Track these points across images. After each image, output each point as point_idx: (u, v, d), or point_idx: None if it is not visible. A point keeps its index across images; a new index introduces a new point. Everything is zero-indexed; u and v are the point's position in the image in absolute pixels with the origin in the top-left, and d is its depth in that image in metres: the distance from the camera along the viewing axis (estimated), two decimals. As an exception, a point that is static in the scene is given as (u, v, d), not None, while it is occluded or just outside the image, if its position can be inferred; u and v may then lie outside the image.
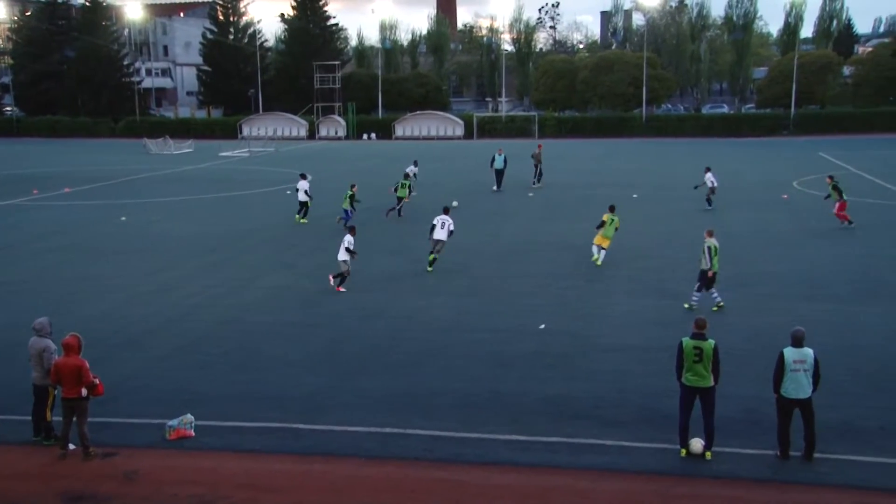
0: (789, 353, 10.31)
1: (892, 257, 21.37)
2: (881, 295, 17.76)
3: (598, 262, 20.60)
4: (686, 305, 16.77)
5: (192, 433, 11.11)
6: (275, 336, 15.33)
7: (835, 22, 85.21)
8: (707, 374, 10.47)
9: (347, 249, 18.37)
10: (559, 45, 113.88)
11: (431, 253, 20.45)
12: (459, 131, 72.73)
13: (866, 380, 12.85)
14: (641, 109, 74.85)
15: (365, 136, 73.61)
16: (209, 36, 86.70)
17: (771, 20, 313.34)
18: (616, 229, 20.92)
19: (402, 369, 13.50)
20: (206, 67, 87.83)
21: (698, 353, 10.46)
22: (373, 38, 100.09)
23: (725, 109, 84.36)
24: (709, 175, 29.87)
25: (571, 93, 79.74)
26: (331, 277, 18.69)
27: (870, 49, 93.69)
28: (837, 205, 25.48)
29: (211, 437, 11.04)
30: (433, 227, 20.44)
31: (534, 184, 36.24)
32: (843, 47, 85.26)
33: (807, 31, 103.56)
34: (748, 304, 17.08)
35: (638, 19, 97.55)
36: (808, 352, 10.28)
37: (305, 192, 27.71)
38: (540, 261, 21.44)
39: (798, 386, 10.24)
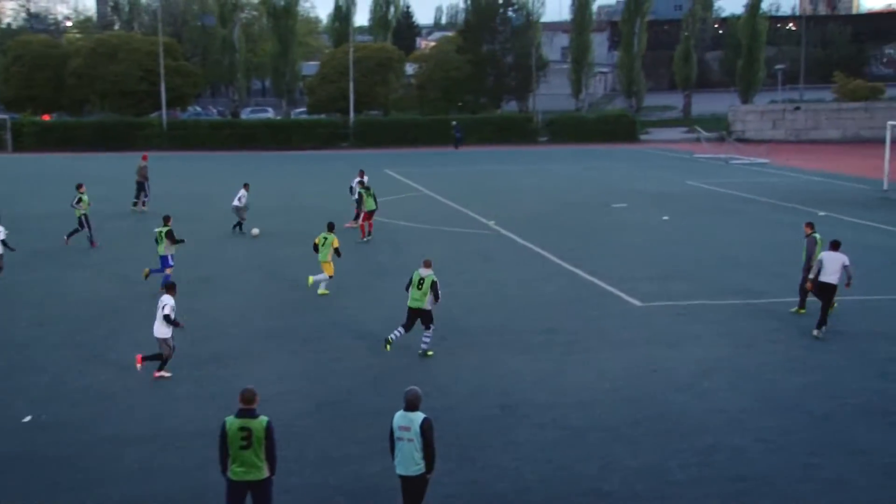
0: (397, 417, 11.01)
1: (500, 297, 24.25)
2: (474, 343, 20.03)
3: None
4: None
5: None
6: None
7: (392, 9, 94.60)
8: (260, 463, 10.69)
9: (167, 318, 17.05)
10: (36, 21, 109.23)
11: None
12: None
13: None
14: (160, 113, 75.03)
15: None
16: None
17: (320, 2, 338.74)
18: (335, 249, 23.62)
19: None
20: None
21: (246, 437, 10.64)
22: None
23: (271, 114, 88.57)
24: (242, 193, 33.48)
25: (59, 89, 76.85)
26: (139, 359, 17.32)
27: (433, 43, 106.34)
28: (363, 214, 30.71)
29: None
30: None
31: (136, 205, 38.88)
32: (404, 40, 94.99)
33: (362, 18, 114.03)
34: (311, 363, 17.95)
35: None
36: (416, 417, 10.92)
37: None
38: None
39: (402, 458, 10.96)
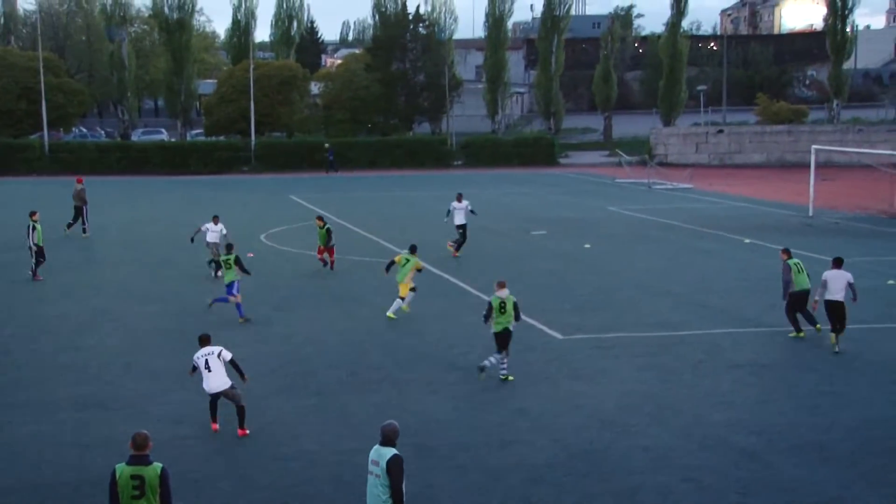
0: (372, 451, 11.36)
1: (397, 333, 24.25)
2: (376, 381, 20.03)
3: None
4: None
5: None
6: None
7: (295, 24, 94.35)
8: (156, 513, 10.61)
9: (232, 363, 16.52)
10: None
11: None
12: None
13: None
14: (41, 134, 73.56)
15: None
16: None
17: (217, 16, 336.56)
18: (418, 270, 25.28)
19: None
20: None
21: (138, 486, 10.52)
22: None
23: (164, 136, 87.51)
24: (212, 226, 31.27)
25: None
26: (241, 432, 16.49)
27: (339, 61, 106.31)
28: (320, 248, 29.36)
29: None
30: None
31: (70, 227, 39.73)
32: (309, 58, 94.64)
33: (263, 33, 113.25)
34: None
35: (27, 2, 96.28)
36: (386, 453, 11.17)
37: None
38: None
39: (369, 493, 11.24)
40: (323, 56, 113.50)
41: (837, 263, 22.09)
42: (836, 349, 21.52)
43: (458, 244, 34.86)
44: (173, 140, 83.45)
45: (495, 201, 52.43)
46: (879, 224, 41.64)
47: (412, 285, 25.40)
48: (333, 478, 14.89)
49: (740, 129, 78.76)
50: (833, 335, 21.69)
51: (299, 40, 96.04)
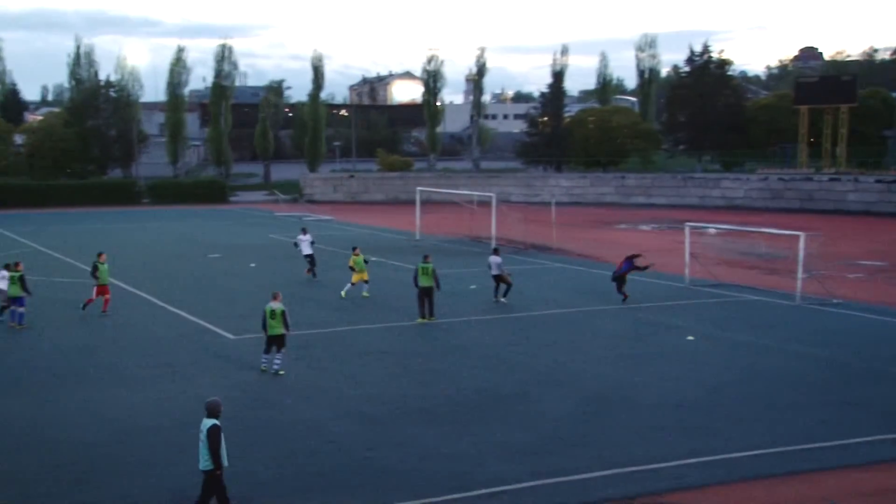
0: (202, 422, 11.39)
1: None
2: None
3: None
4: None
5: None
6: None
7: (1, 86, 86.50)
8: None
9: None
10: None
11: None
12: None
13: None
14: None
15: None
16: None
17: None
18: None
19: None
20: None
21: None
22: None
23: None
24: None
25: None
26: None
27: (40, 117, 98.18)
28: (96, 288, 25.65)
29: None
30: None
31: None
32: (12, 114, 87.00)
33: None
34: None
35: None
36: (206, 423, 11.26)
37: None
38: None
39: (200, 455, 11.32)
40: (25, 113, 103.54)
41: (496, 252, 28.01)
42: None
43: (311, 268, 32.86)
44: None
45: (179, 232, 50.48)
46: (464, 245, 44.24)
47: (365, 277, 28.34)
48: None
49: (366, 175, 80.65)
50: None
51: (3, 100, 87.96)
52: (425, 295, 25.01)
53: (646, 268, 29.08)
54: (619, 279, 27.93)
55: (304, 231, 33.96)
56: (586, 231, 50.55)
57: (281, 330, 19.10)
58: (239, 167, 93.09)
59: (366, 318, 25.60)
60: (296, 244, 33.75)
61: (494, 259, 28.13)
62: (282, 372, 19.18)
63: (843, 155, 64.83)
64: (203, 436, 11.22)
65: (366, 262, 29.44)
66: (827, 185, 62.25)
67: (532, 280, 32.72)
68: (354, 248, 29.70)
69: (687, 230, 32.22)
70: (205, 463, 11.26)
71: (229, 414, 16.24)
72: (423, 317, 24.92)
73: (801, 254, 28.05)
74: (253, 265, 36.39)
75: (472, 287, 30.57)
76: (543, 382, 18.80)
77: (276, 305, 19.22)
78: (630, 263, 27.98)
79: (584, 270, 35.40)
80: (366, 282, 28.95)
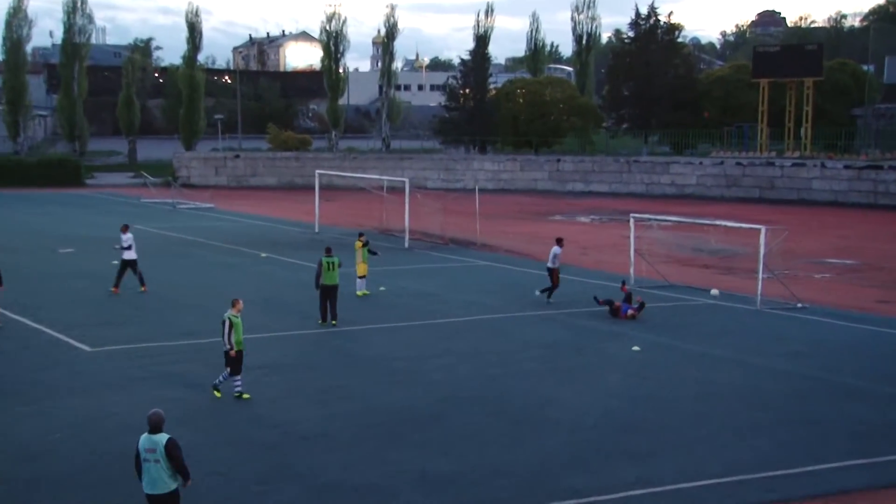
0: (142, 440, 11.56)
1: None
2: None
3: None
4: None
5: None
6: None
7: None
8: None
9: None
10: None
11: None
12: None
13: None
14: None
15: None
16: None
17: None
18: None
19: None
20: None
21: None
22: None
23: None
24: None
25: None
26: None
27: None
28: None
29: None
30: None
31: None
32: None
33: None
34: None
35: None
36: (160, 439, 11.45)
37: None
38: None
39: (150, 479, 11.48)
40: None
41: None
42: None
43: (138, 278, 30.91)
44: None
45: (21, 221, 48.99)
46: (374, 239, 43.92)
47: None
48: None
49: (254, 154, 79.81)
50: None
51: None
52: (328, 295, 25.04)
53: (641, 305, 27.17)
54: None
55: (126, 229, 30.41)
56: (515, 223, 51.15)
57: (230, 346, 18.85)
58: (97, 143, 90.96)
59: (252, 327, 25.32)
60: (121, 248, 30.05)
61: (556, 249, 28.94)
62: (246, 395, 18.85)
63: (808, 137, 67.20)
64: (160, 454, 11.47)
65: (372, 252, 29.97)
66: (790, 171, 64.46)
67: (453, 281, 32.91)
68: (361, 234, 30.62)
69: (632, 222, 32.90)
70: (164, 485, 11.53)
71: (93, 444, 15.95)
72: (325, 320, 25.03)
73: (762, 251, 28.89)
74: (115, 263, 35.45)
75: (382, 289, 30.57)
76: (465, 400, 18.95)
77: (233, 315, 18.93)
78: (628, 306, 26.72)
79: (514, 269, 35.79)
80: (361, 277, 29.76)
